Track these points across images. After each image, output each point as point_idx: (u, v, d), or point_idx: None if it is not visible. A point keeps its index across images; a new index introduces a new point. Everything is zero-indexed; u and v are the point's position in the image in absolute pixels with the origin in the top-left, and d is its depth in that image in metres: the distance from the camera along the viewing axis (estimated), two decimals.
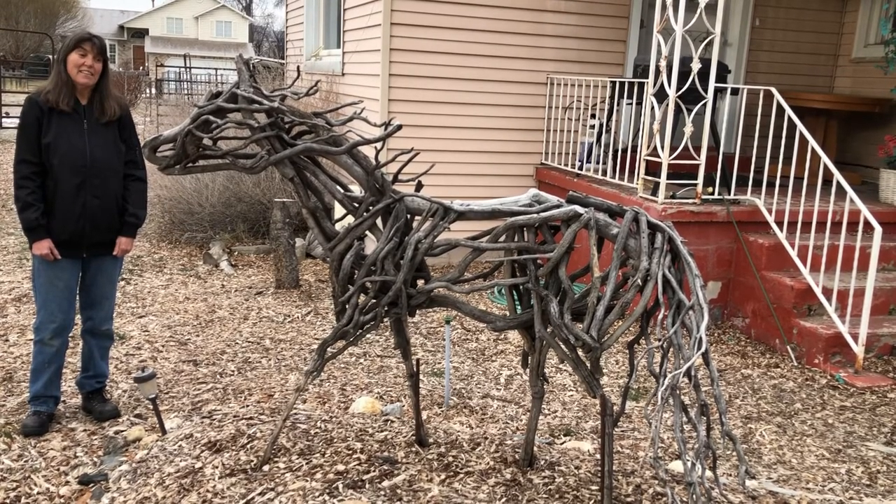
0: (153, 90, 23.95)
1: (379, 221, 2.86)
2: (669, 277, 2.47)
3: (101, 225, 3.64)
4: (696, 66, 5.42)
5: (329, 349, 2.95)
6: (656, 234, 2.54)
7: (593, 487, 2.90)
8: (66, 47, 3.50)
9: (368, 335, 4.79)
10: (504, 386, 4.59)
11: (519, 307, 2.83)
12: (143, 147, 2.93)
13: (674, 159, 5.65)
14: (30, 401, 3.76)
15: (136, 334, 5.12)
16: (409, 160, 2.82)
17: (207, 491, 2.80)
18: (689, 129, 5.52)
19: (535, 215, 2.63)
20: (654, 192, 5.82)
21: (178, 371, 4.54)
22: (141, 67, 41.04)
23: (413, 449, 3.13)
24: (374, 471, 2.91)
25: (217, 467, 2.96)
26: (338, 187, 2.91)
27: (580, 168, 6.96)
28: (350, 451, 3.07)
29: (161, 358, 4.74)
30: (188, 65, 24.68)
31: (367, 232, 2.86)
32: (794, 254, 5.44)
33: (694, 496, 2.31)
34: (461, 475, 2.92)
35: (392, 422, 3.50)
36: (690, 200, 5.79)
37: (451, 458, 3.06)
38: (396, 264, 2.77)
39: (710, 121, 5.70)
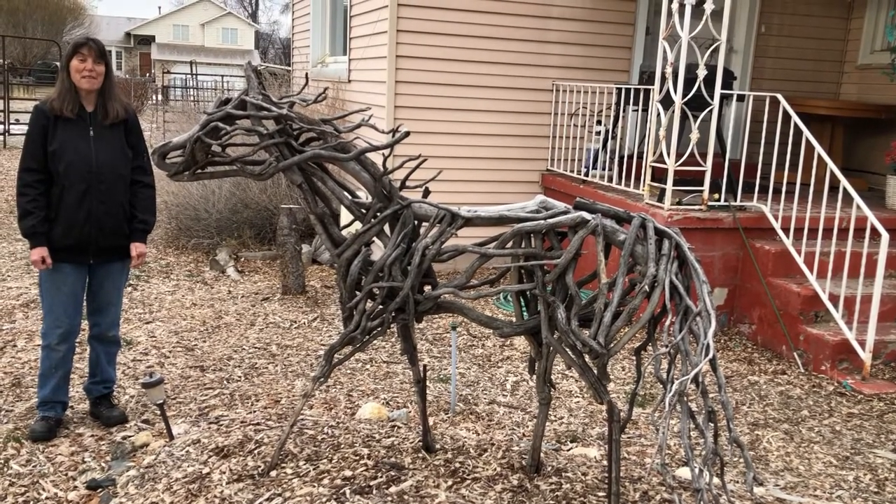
0: (159, 97, 24.05)
1: (386, 227, 2.87)
2: (677, 283, 2.48)
3: (107, 230, 3.66)
4: (701, 72, 5.42)
5: (336, 355, 2.97)
6: (663, 241, 2.55)
7: (600, 494, 2.90)
8: (67, 55, 3.55)
9: (375, 341, 4.79)
10: (510, 392, 4.59)
11: (526, 313, 2.83)
12: (152, 154, 2.95)
13: (680, 166, 5.65)
14: (38, 406, 3.78)
15: (143, 340, 5.14)
16: (417, 166, 2.83)
17: (215, 496, 2.80)
18: (694, 135, 5.52)
19: (542, 221, 2.63)
20: (660, 198, 5.82)
21: (185, 377, 4.55)
22: (147, 74, 41.22)
23: (420, 455, 3.14)
24: (381, 476, 2.92)
25: (224, 473, 2.97)
26: (345, 193, 2.92)
27: (586, 174, 6.97)
28: (357, 457, 3.08)
29: (168, 363, 4.76)
30: (194, 71, 24.77)
31: (375, 238, 2.87)
32: (800, 260, 5.43)
33: (701, 503, 2.31)
34: (468, 481, 2.93)
35: (399, 427, 3.50)
36: (696, 207, 5.79)
37: (457, 464, 3.06)
38: (404, 270, 2.78)
39: (716, 127, 5.70)
